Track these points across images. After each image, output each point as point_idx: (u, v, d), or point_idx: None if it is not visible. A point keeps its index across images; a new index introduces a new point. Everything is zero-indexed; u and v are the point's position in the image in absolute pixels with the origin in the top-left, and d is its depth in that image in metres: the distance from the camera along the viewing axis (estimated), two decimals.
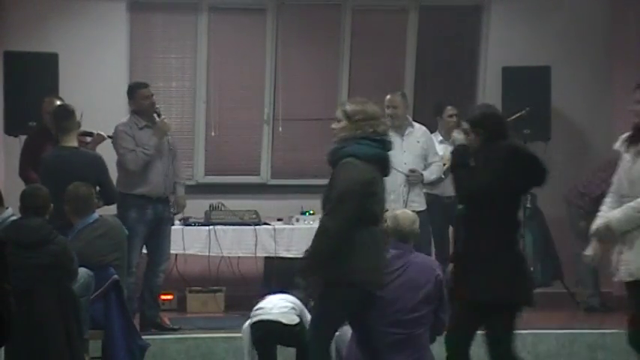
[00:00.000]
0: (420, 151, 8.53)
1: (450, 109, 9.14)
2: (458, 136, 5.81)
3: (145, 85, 8.28)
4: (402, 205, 7.96)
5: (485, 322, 5.62)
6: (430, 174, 8.55)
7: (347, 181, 5.61)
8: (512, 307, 5.63)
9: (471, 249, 5.61)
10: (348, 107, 5.82)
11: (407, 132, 8.54)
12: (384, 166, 5.80)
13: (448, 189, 8.92)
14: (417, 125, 8.67)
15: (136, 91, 8.18)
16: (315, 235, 5.67)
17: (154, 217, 8.02)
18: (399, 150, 8.39)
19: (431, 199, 8.83)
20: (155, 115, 8.09)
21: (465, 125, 5.75)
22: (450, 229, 9.04)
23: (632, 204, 5.58)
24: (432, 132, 8.95)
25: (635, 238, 5.58)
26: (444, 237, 8.99)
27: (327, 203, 5.68)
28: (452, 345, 5.66)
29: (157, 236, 8.10)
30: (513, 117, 9.10)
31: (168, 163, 8.13)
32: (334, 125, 5.84)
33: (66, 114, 7.57)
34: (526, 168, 5.62)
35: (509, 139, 5.70)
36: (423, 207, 8.42)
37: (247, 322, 6.75)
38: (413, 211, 6.71)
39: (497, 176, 5.53)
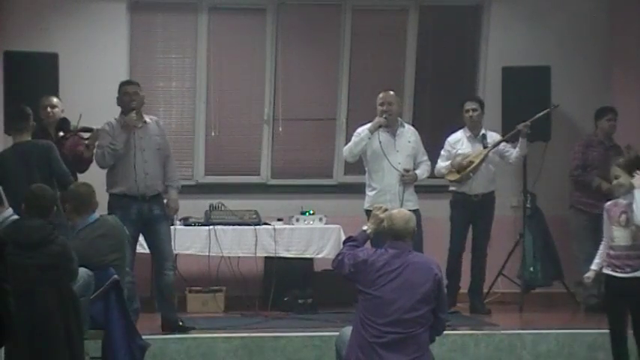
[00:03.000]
0: (410, 151, 8.62)
1: (468, 105, 9.17)
2: None
3: (130, 83, 8.25)
4: (398, 205, 7.99)
5: None
6: (422, 173, 8.62)
7: None
8: None
9: None
10: None
11: (398, 132, 8.61)
12: None
13: (476, 187, 8.98)
14: (407, 126, 8.77)
15: (120, 87, 8.16)
16: None
17: (139, 217, 7.90)
18: (393, 150, 8.49)
19: (458, 196, 9.05)
20: (133, 112, 7.97)
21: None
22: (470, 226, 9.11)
23: None
24: (458, 129, 9.15)
25: None
26: (462, 233, 9.10)
27: None
28: None
29: (155, 236, 8.01)
30: (541, 113, 9.10)
31: (152, 161, 8.00)
32: None
33: (23, 116, 7.64)
34: None
35: None
36: (416, 206, 8.45)
37: None
38: (407, 210, 6.65)
39: None
